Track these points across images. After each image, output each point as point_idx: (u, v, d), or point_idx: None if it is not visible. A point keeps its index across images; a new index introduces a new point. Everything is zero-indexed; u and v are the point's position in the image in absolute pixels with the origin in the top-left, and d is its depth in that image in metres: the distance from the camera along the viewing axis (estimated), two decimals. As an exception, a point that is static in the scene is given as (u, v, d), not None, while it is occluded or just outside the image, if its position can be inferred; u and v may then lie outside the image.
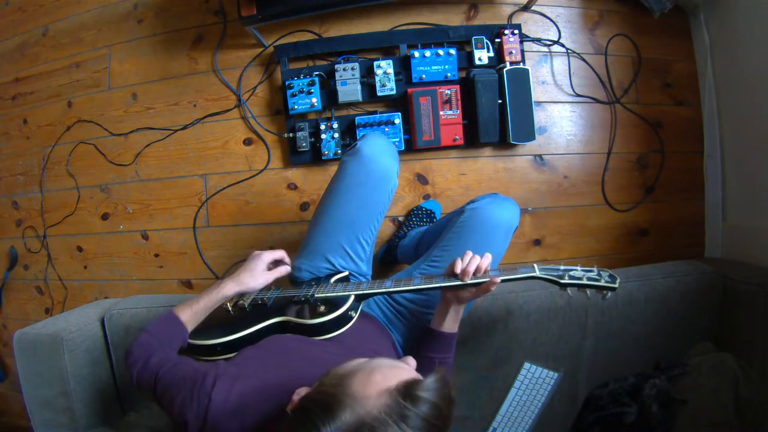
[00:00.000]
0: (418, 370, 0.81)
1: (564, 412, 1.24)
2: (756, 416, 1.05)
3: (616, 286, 0.84)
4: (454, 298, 0.89)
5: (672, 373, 1.18)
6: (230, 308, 0.93)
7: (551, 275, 0.85)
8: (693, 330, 1.23)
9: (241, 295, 0.96)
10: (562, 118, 1.54)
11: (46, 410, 1.13)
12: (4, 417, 1.90)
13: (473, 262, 0.83)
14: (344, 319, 0.87)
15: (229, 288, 0.92)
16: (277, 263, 1.00)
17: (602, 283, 0.84)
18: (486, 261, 0.84)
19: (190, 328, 0.89)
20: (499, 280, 0.83)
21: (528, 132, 1.44)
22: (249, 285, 0.93)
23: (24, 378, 1.14)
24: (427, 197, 1.54)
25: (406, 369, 0.58)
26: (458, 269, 0.83)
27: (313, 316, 0.86)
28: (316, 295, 0.90)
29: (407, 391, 0.51)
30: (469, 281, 0.83)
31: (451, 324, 0.91)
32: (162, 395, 0.74)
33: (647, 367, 1.23)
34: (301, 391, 0.59)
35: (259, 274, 0.94)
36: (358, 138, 1.41)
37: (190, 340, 0.87)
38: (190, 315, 0.89)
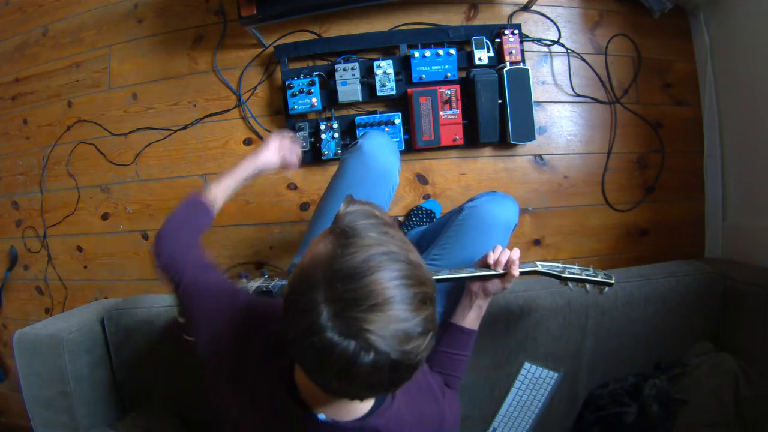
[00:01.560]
0: (433, 363, 0.88)
1: (564, 412, 1.24)
2: (756, 416, 1.05)
3: (613, 281, 0.93)
4: (481, 290, 0.90)
5: (672, 373, 1.18)
6: None
7: (552, 270, 0.92)
8: (693, 330, 1.23)
9: (243, 282, 1.00)
10: (562, 118, 1.54)
11: (46, 410, 1.13)
12: (4, 417, 1.90)
13: (504, 254, 0.88)
14: None
15: (249, 164, 1.04)
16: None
17: (600, 279, 0.92)
18: (516, 253, 0.88)
19: (219, 203, 0.97)
20: (517, 272, 0.87)
21: (528, 132, 1.44)
22: (264, 160, 1.06)
23: (24, 378, 1.14)
24: (427, 197, 1.54)
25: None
26: (491, 260, 0.88)
27: None
28: None
29: (334, 221, 0.54)
30: (500, 270, 0.87)
31: (473, 319, 0.92)
32: (184, 293, 0.77)
33: (647, 367, 1.23)
34: None
35: (275, 151, 1.08)
36: (358, 137, 1.41)
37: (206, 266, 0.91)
38: (221, 191, 0.98)
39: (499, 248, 0.89)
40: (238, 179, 1.02)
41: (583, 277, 0.92)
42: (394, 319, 0.46)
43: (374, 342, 0.45)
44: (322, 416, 0.61)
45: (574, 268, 0.93)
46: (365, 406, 0.64)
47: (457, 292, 0.97)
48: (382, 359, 0.46)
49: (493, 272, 0.87)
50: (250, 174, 1.04)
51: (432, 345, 0.51)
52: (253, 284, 0.97)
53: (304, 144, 1.48)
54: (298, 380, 0.63)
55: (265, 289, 0.95)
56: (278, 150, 1.09)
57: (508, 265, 0.87)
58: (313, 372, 0.51)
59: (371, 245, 0.49)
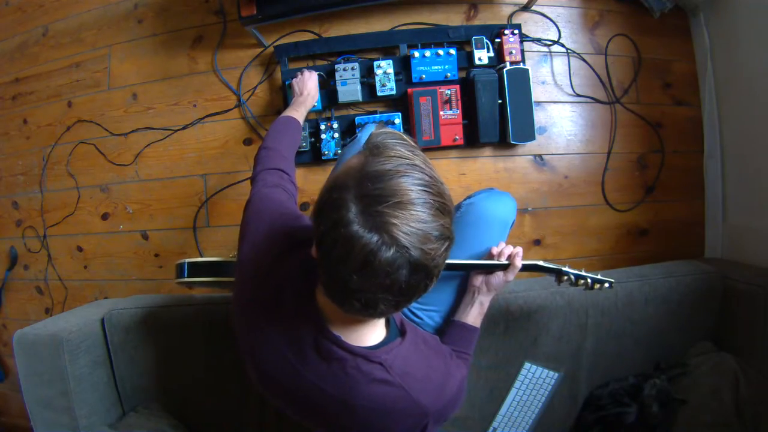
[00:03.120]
0: None
1: (564, 412, 1.24)
2: (756, 416, 1.05)
3: (613, 280, 0.97)
4: (483, 285, 0.92)
5: (672, 373, 1.18)
6: None
7: (555, 266, 0.95)
8: (693, 330, 1.23)
9: None
10: (562, 118, 1.54)
11: (46, 410, 1.13)
12: (4, 417, 1.90)
13: (507, 249, 0.92)
14: None
15: (310, 102, 1.32)
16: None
17: (599, 277, 0.96)
18: (517, 249, 0.92)
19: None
20: (519, 262, 0.90)
21: (528, 132, 1.44)
22: (314, 97, 1.34)
23: (24, 378, 1.14)
24: (427, 197, 1.54)
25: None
26: (494, 252, 0.92)
27: None
28: None
29: (367, 140, 0.59)
30: (503, 261, 0.91)
31: (475, 316, 0.93)
32: (253, 203, 0.84)
33: (647, 367, 1.23)
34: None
35: (315, 84, 1.36)
36: (357, 132, 1.41)
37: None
38: (301, 119, 1.19)
39: (503, 244, 0.92)
40: (305, 112, 1.25)
41: (583, 273, 0.95)
42: (416, 218, 0.51)
43: (396, 236, 0.49)
44: (335, 332, 0.64)
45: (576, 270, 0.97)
46: (376, 336, 0.68)
47: (460, 291, 0.97)
48: (402, 254, 0.50)
49: (496, 262, 0.90)
50: (309, 108, 1.31)
51: (447, 257, 0.55)
52: None
53: (304, 144, 1.47)
54: (318, 300, 0.66)
55: None
56: (316, 86, 1.35)
57: (512, 257, 0.89)
58: (335, 268, 0.53)
59: (399, 157, 0.55)
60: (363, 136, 1.01)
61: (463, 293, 0.96)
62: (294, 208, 0.88)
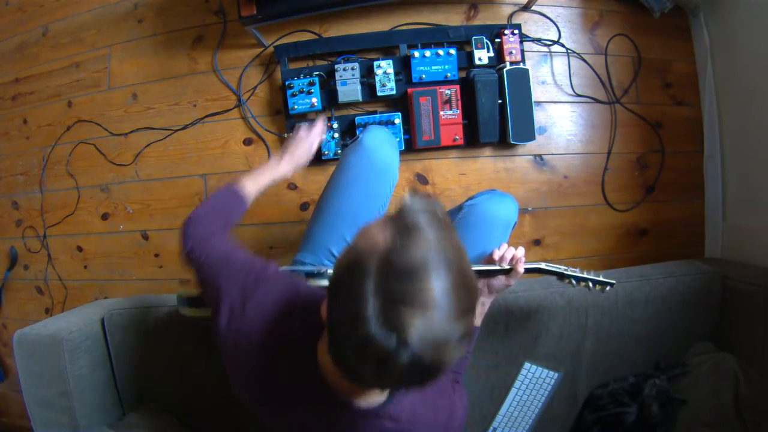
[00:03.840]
0: None
1: (564, 412, 1.24)
2: (756, 416, 1.05)
3: (614, 281, 0.95)
4: (485, 287, 0.91)
5: (672, 373, 1.18)
6: None
7: (556, 269, 0.94)
8: (693, 330, 1.23)
9: None
10: (562, 118, 1.54)
11: (46, 410, 1.13)
12: (4, 417, 1.89)
13: (510, 251, 0.89)
14: None
15: (287, 167, 1.07)
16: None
17: (601, 279, 0.95)
18: (521, 251, 0.90)
19: (249, 202, 0.95)
20: (522, 268, 0.88)
21: (528, 132, 1.44)
22: (303, 161, 1.11)
23: (24, 378, 1.14)
24: (427, 197, 1.54)
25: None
26: (496, 256, 0.89)
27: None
28: (329, 272, 0.91)
29: (399, 212, 0.54)
30: (505, 266, 0.88)
31: (476, 316, 0.92)
32: (211, 269, 0.76)
33: (647, 367, 1.23)
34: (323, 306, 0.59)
35: (309, 148, 1.12)
36: (358, 133, 1.41)
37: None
38: (253, 188, 0.97)
39: (505, 246, 0.91)
40: (272, 179, 1.03)
41: (584, 276, 0.94)
42: (438, 324, 0.48)
43: (415, 342, 0.47)
44: (343, 398, 0.63)
45: (577, 270, 0.96)
46: (383, 394, 0.66)
47: None
48: (419, 360, 0.47)
49: (498, 267, 0.88)
50: (282, 176, 1.06)
51: (463, 351, 0.52)
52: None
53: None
54: (320, 361, 0.64)
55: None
56: (311, 147, 1.13)
57: (514, 261, 0.88)
58: (348, 359, 0.52)
59: (429, 245, 0.50)
60: (364, 136, 1.01)
61: None
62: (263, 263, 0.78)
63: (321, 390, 0.64)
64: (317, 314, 0.59)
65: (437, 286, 0.48)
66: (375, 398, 0.65)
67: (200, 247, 0.79)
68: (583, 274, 0.95)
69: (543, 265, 0.93)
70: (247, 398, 0.73)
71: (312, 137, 1.14)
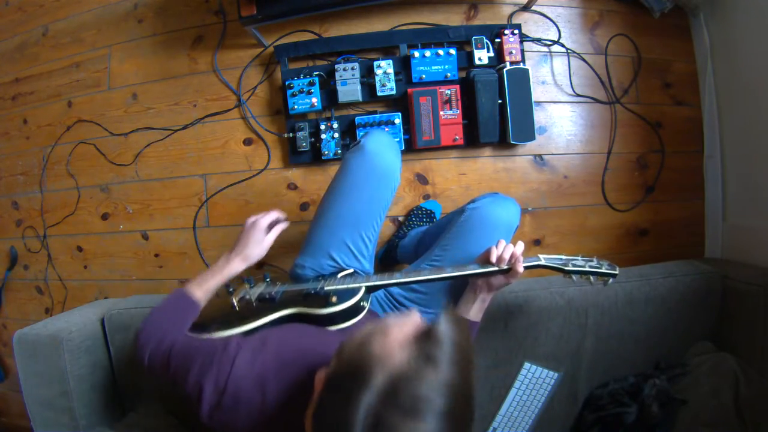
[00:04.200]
0: None
1: (564, 412, 1.24)
2: (756, 416, 1.05)
3: (617, 272, 0.91)
4: (485, 285, 0.91)
5: (672, 373, 1.18)
6: (236, 304, 0.92)
7: (556, 263, 0.91)
8: (693, 330, 1.23)
9: (246, 288, 0.96)
10: (562, 118, 1.54)
11: (46, 410, 1.13)
12: (4, 417, 1.89)
13: (508, 250, 0.87)
14: (356, 309, 0.87)
15: (238, 265, 0.95)
16: (271, 225, 1.02)
17: (603, 270, 0.90)
18: (519, 248, 0.88)
19: (200, 306, 0.89)
20: (521, 268, 0.86)
21: (528, 132, 1.44)
22: (255, 256, 0.97)
23: (24, 378, 1.14)
24: (427, 197, 1.54)
25: (416, 318, 0.58)
26: (494, 257, 0.87)
27: (325, 307, 0.86)
28: (326, 288, 0.90)
29: (426, 335, 0.52)
30: (504, 267, 0.86)
31: (476, 312, 0.93)
32: (176, 369, 0.72)
33: (647, 367, 1.23)
34: (321, 374, 0.58)
35: (262, 241, 0.98)
36: (358, 137, 1.41)
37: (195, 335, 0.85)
38: (202, 294, 0.90)
39: (503, 243, 0.89)
40: (222, 282, 0.94)
41: (587, 269, 0.91)
42: None
43: None
44: None
45: (578, 260, 0.92)
46: None
47: (460, 286, 0.97)
48: None
49: (497, 269, 0.87)
50: (234, 273, 0.96)
51: None
52: (256, 291, 0.95)
53: (305, 144, 1.47)
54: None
55: (267, 296, 0.92)
56: (265, 241, 0.99)
57: (512, 261, 0.87)
58: None
59: (441, 386, 0.49)
60: (366, 141, 0.99)
61: (461, 289, 0.96)
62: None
63: None
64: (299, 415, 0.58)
65: (431, 429, 0.47)
66: None
67: (157, 350, 0.76)
68: (585, 267, 0.91)
69: (543, 261, 0.90)
70: None
71: (260, 225, 0.99)
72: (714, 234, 1.52)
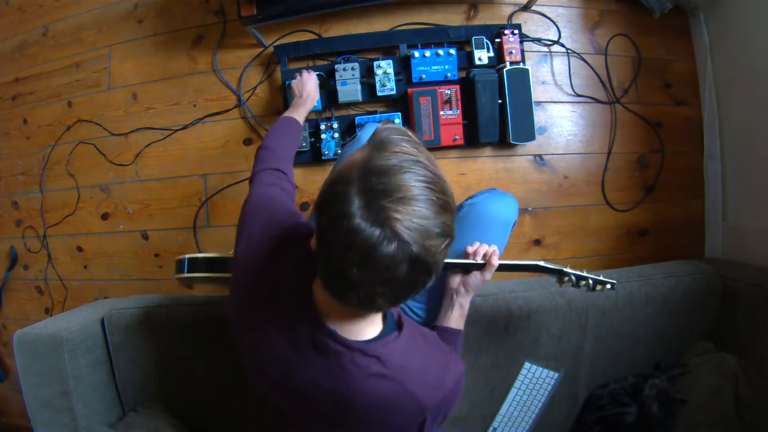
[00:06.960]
0: None
1: (564, 412, 1.24)
2: (756, 416, 1.05)
3: (615, 281, 0.94)
4: (461, 286, 0.90)
5: (672, 373, 1.18)
6: None
7: (555, 266, 0.92)
8: (693, 330, 1.23)
9: None
10: (562, 118, 1.54)
11: (46, 410, 1.13)
12: (4, 417, 1.90)
13: (482, 248, 0.90)
14: None
15: (309, 105, 1.32)
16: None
17: (601, 278, 0.93)
18: (492, 249, 0.90)
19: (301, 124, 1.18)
20: (496, 261, 0.88)
21: (528, 132, 1.44)
22: (316, 98, 1.36)
23: (24, 378, 1.14)
24: (427, 197, 1.54)
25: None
26: (470, 250, 0.90)
27: None
28: None
29: (373, 133, 0.59)
30: (479, 260, 0.89)
31: (457, 319, 0.91)
32: (254, 203, 0.85)
33: (647, 367, 1.23)
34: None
35: (318, 86, 1.38)
36: (357, 131, 1.41)
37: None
38: (301, 120, 1.20)
39: (477, 243, 0.91)
40: (305, 114, 1.25)
41: (585, 274, 0.93)
42: (418, 214, 0.51)
43: (398, 231, 0.50)
44: (331, 327, 0.64)
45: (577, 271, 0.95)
46: (372, 331, 0.67)
47: (438, 294, 0.96)
48: (403, 249, 0.51)
49: (472, 261, 0.89)
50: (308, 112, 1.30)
51: (447, 255, 0.56)
52: None
53: (304, 144, 1.47)
54: (315, 295, 0.66)
55: None
56: (316, 87, 1.36)
57: (487, 255, 0.88)
58: (334, 263, 0.54)
59: (404, 153, 0.55)
60: (363, 135, 1.01)
61: (441, 298, 0.95)
62: (290, 206, 0.88)
63: (311, 317, 0.65)
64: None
65: (413, 180, 0.53)
66: (362, 332, 0.66)
67: (265, 158, 0.99)
68: (583, 272, 0.93)
69: (542, 263, 0.92)
70: (234, 316, 0.75)
71: (313, 75, 1.37)
72: (714, 234, 1.52)
